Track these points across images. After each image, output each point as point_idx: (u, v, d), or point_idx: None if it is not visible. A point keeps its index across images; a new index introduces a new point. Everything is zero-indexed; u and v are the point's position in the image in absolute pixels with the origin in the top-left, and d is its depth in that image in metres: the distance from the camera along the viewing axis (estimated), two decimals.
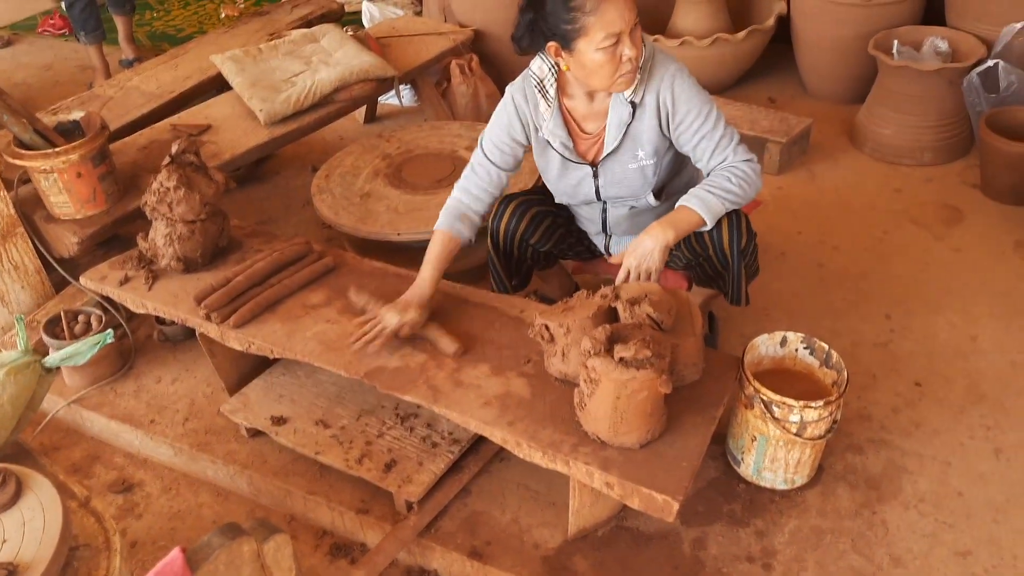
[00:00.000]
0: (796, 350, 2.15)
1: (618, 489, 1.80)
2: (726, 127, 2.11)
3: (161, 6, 5.93)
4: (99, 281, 2.53)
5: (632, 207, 2.31)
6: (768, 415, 1.99)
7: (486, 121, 3.63)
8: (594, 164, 2.22)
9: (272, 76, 3.30)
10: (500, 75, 3.79)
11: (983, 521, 2.02)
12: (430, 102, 3.66)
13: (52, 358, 1.76)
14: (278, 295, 2.35)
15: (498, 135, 2.26)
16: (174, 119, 3.30)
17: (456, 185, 2.32)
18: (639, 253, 2.08)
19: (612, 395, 1.76)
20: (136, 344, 2.78)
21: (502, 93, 3.74)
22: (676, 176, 2.31)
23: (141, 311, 2.47)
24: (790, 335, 2.15)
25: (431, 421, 2.29)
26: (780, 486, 2.12)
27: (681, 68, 2.11)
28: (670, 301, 1.94)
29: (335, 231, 3.29)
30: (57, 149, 2.63)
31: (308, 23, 4.55)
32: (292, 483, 2.27)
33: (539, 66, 2.17)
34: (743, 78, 3.99)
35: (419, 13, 4.89)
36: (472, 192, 2.28)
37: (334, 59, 3.38)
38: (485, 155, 2.28)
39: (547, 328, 1.97)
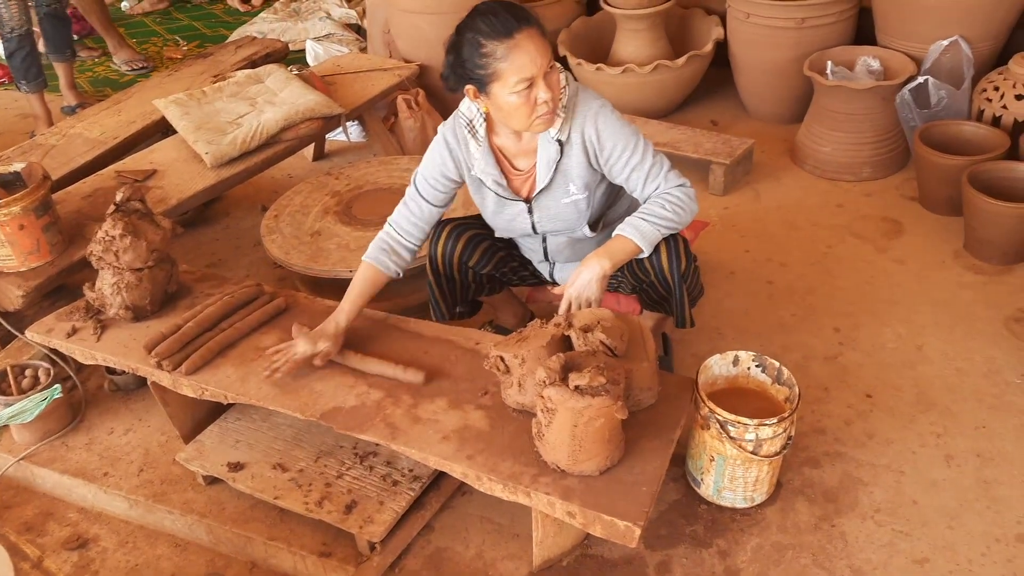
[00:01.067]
0: (748, 368, 2.19)
1: (580, 518, 1.81)
2: (655, 156, 2.14)
3: (99, 46, 5.88)
4: (46, 334, 2.49)
5: (569, 237, 2.34)
6: (724, 435, 2.02)
7: None
8: (528, 200, 2.25)
9: (217, 118, 3.28)
10: (446, 108, 3.80)
11: (938, 528, 2.06)
12: (378, 137, 3.67)
13: None
14: (230, 339, 2.33)
15: (431, 173, 2.29)
16: (118, 166, 3.26)
17: (389, 219, 2.37)
18: (578, 285, 2.11)
19: (569, 424, 1.77)
20: (86, 395, 2.72)
21: None
22: (612, 207, 2.35)
23: (91, 362, 2.42)
24: (742, 354, 2.18)
25: (391, 459, 2.27)
26: (740, 504, 2.14)
27: (604, 104, 2.15)
28: (622, 327, 1.96)
29: (287, 271, 3.27)
30: None
31: (253, 63, 4.53)
32: (252, 529, 2.23)
33: (468, 106, 2.21)
34: (685, 103, 4.07)
35: (364, 50, 4.92)
36: (403, 226, 2.33)
37: (279, 99, 3.37)
38: (418, 191, 2.32)
39: (502, 359, 1.98)
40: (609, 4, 3.88)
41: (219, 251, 3.48)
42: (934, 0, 3.28)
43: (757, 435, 2.00)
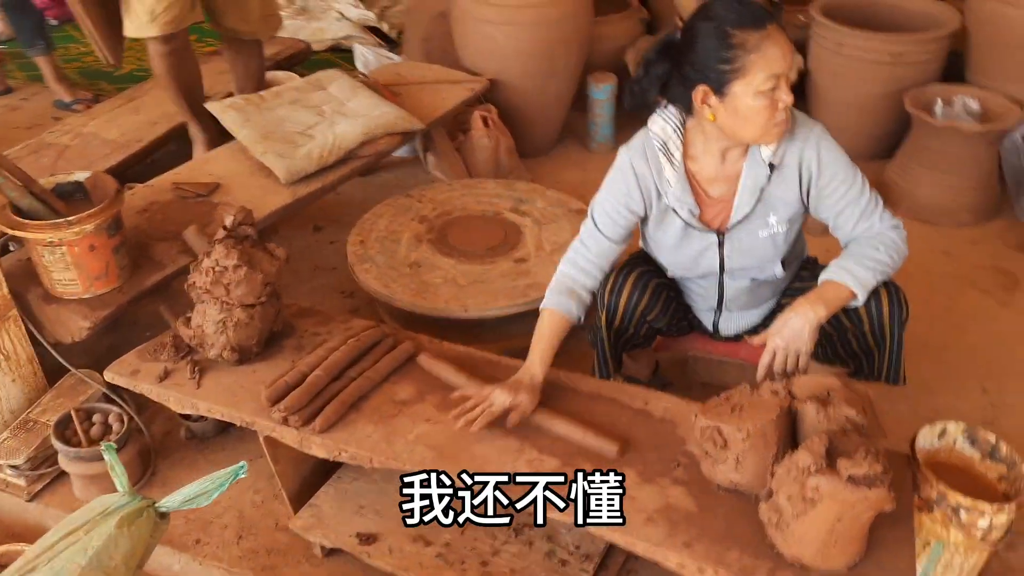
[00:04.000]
0: (955, 441, 1.99)
1: None
2: (872, 191, 1.97)
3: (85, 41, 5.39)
4: (130, 376, 2.14)
5: (754, 279, 2.13)
6: (954, 520, 1.81)
7: (505, 176, 3.41)
8: (720, 232, 2.03)
9: (283, 128, 2.95)
10: (515, 128, 3.55)
11: None
12: (446, 157, 3.38)
13: (170, 501, 1.40)
14: (362, 390, 2.03)
15: (613, 205, 2.05)
16: (172, 175, 2.89)
17: (563, 259, 2.11)
18: (787, 334, 1.91)
19: (833, 517, 1.54)
20: (155, 444, 2.37)
21: (519, 147, 3.55)
22: (794, 244, 2.15)
23: (190, 411, 2.09)
24: (951, 425, 1.98)
25: (551, 533, 2.00)
26: None
27: (824, 129, 1.97)
28: (858, 398, 1.75)
29: (359, 302, 2.97)
30: (70, 219, 2.21)
31: (277, 64, 4.20)
32: None
33: (661, 127, 1.98)
34: None
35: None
36: (581, 266, 2.07)
37: (349, 109, 3.06)
38: (597, 227, 2.06)
39: (719, 432, 1.74)
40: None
41: None
42: None
43: (992, 520, 1.80)
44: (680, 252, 2.08)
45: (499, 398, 1.89)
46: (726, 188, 2.00)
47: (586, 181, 3.67)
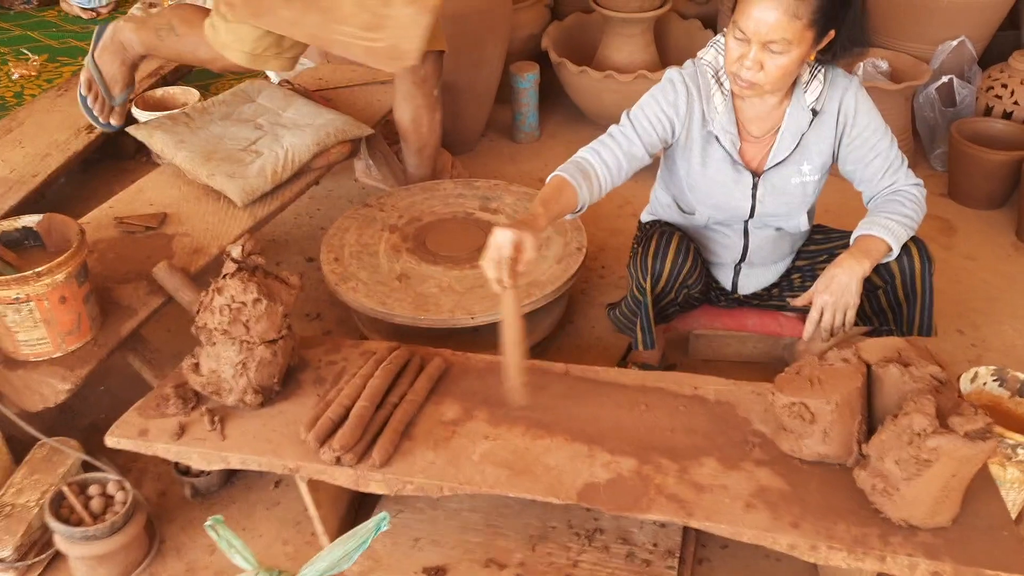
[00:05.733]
0: (984, 384, 2.09)
1: None
2: (899, 150, 2.07)
3: None
4: (138, 438, 1.90)
5: (779, 229, 2.17)
6: (1012, 458, 1.90)
7: (441, 176, 3.29)
8: (756, 174, 2.08)
9: (223, 146, 2.71)
10: (445, 124, 3.42)
11: None
12: (387, 160, 3.22)
13: (311, 570, 1.23)
14: (409, 415, 1.90)
15: (655, 111, 2.04)
16: (107, 209, 2.60)
17: (583, 148, 2.06)
18: (835, 288, 1.97)
19: (948, 474, 1.57)
20: (154, 509, 2.13)
21: (448, 145, 3.43)
22: (816, 200, 2.22)
23: (220, 467, 1.88)
24: (981, 369, 2.09)
25: (624, 535, 1.95)
26: None
27: (861, 83, 2.06)
28: (930, 355, 1.79)
29: (329, 323, 2.80)
30: (39, 270, 1.93)
31: (163, 79, 3.89)
32: None
33: (714, 56, 2.03)
34: None
35: None
36: (604, 158, 2.02)
37: (288, 119, 2.85)
38: (632, 125, 2.06)
39: (806, 407, 1.74)
40: (601, 7, 3.67)
41: None
42: (944, 2, 3.39)
43: None
44: (715, 187, 2.10)
45: (500, 237, 1.75)
46: (766, 129, 2.05)
47: (521, 172, 3.61)
